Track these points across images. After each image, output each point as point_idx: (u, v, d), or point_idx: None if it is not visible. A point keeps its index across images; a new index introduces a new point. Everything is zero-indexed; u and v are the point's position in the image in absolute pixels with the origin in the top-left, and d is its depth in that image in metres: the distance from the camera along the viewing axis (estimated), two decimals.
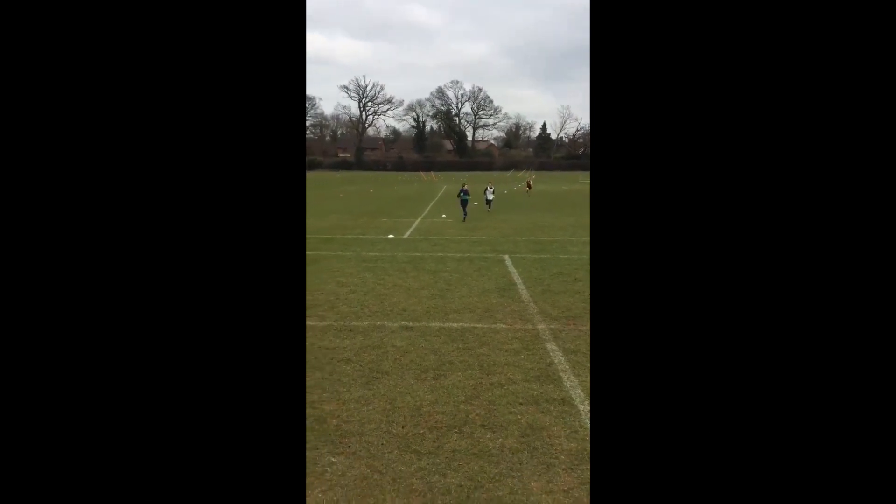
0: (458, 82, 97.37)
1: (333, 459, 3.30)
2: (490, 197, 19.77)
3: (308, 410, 3.93)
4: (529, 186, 28.23)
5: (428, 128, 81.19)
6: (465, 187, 17.56)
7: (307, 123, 76.03)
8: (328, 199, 25.55)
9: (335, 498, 2.92)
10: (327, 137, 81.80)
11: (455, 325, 5.99)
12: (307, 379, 4.50)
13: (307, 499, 2.89)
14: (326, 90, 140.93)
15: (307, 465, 3.22)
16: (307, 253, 10.56)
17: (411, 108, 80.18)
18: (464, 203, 16.83)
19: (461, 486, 3.03)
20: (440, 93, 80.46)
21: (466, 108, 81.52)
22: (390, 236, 13.04)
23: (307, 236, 12.97)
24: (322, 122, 79.91)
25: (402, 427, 3.71)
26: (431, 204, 22.79)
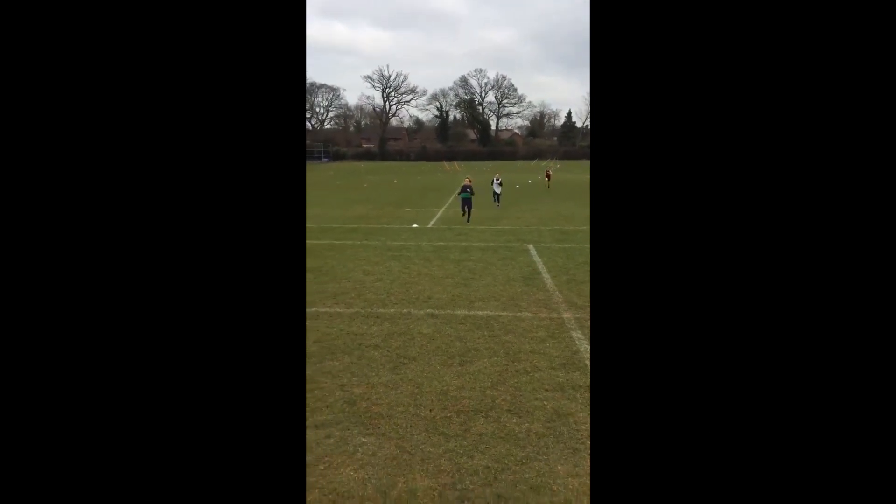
0: (482, 70, 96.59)
1: (364, 440, 3.40)
2: (497, 190, 17.10)
3: (338, 393, 4.06)
4: (549, 177, 26.30)
5: (451, 117, 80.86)
6: (468, 182, 14.18)
7: (331, 114, 76.60)
8: (353, 189, 25.80)
9: (366, 476, 3.02)
10: (351, 128, 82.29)
11: (480, 313, 6.04)
12: (337, 363, 4.63)
13: (339, 476, 3.00)
14: (350, 80, 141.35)
15: (338, 444, 3.34)
16: (334, 242, 10.75)
17: (434, 97, 79.96)
18: (465, 202, 13.72)
19: (488, 467, 3.10)
20: (464, 82, 79.95)
21: (490, 96, 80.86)
22: (414, 226, 13.13)
23: (334, 226, 13.18)
24: (346, 113, 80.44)
25: (430, 410, 3.79)
26: (455, 194, 22.83)
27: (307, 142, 66.93)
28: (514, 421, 3.64)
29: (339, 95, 77.92)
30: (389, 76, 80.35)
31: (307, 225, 13.18)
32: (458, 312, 6.06)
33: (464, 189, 14.03)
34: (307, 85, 67.61)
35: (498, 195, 17.18)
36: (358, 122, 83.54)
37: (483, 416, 3.70)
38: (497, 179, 17.57)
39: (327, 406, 3.86)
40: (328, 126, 77.49)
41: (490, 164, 54.43)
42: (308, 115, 72.17)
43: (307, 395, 4.02)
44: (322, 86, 72.54)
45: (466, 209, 13.78)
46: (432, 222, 13.77)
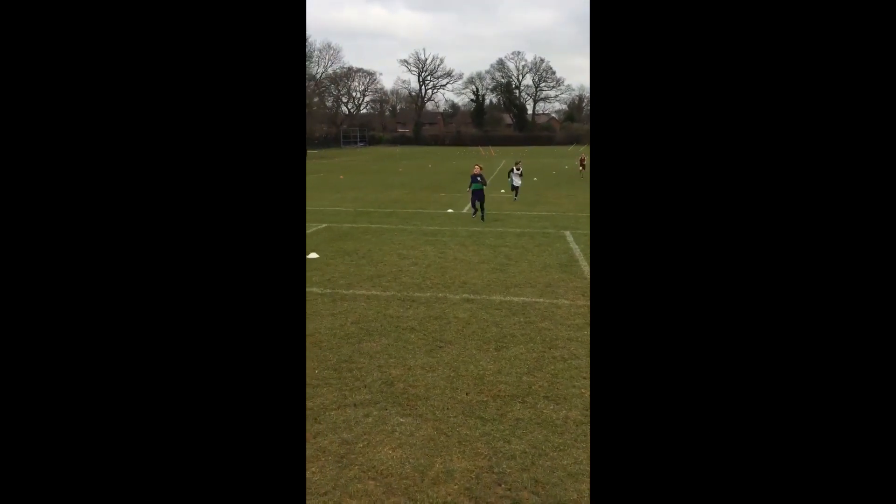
0: (519, 53, 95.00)
1: (402, 420, 3.46)
2: (517, 182, 14.79)
3: (376, 373, 4.13)
4: (583, 165, 24.22)
5: (487, 101, 79.92)
6: (478, 170, 11.75)
7: (367, 99, 76.93)
8: (389, 173, 25.96)
9: (404, 455, 3.07)
10: (387, 112, 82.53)
11: (516, 298, 6.01)
12: (374, 344, 4.70)
13: (378, 454, 3.06)
14: (387, 64, 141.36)
15: (376, 423, 3.40)
16: (371, 225, 10.88)
17: (471, 81, 79.11)
18: (476, 194, 11.54)
19: (525, 452, 3.10)
20: (501, 65, 78.73)
21: (528, 80, 79.38)
22: (449, 211, 13.13)
23: (371, 210, 13.32)
24: (382, 97, 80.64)
25: (466, 394, 3.81)
26: (490, 179, 22.65)
27: (344, 126, 67.61)
28: (552, 408, 3.62)
29: (375, 80, 78.24)
30: (426, 59, 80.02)
31: (344, 208, 13.42)
32: (494, 298, 6.04)
33: (474, 179, 11.63)
34: (344, 69, 68.05)
35: (517, 188, 14.83)
36: (393, 107, 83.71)
37: (520, 402, 3.70)
38: (517, 170, 14.96)
39: (365, 386, 3.93)
40: (364, 111, 77.95)
41: (527, 149, 53.65)
42: (345, 100, 72.73)
43: (346, 375, 4.11)
44: (359, 70, 72.83)
45: (479, 203, 11.50)
46: (467, 207, 13.73)
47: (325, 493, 2.74)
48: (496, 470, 2.94)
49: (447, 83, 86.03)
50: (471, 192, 11.78)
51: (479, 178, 11.65)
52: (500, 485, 2.82)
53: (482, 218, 11.52)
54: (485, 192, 11.74)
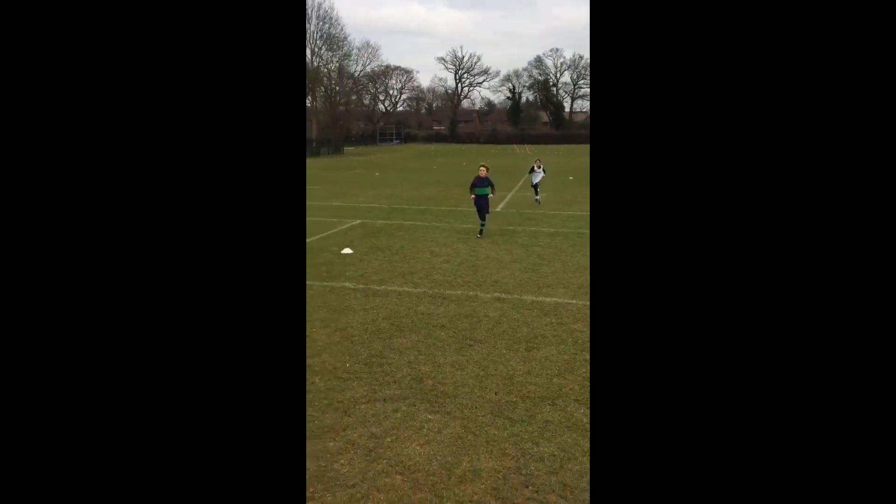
0: (557, 50, 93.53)
1: (430, 416, 3.47)
2: (536, 180, 13.58)
3: (405, 369, 4.16)
4: None
5: (524, 99, 79.13)
6: (484, 173, 9.33)
7: (404, 96, 77.48)
8: (424, 170, 26.08)
9: (432, 452, 3.08)
10: (423, 110, 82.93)
11: (548, 299, 5.93)
12: (404, 340, 4.74)
13: (406, 450, 3.09)
14: (424, 62, 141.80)
15: (405, 419, 3.43)
16: (404, 222, 10.96)
17: (507, 78, 78.43)
18: (480, 202, 9.26)
19: (554, 455, 3.06)
20: (538, 62, 77.68)
21: (566, 77, 78.16)
22: None
23: (405, 207, 13.42)
24: (419, 95, 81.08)
25: (495, 394, 3.79)
26: (524, 178, 22.43)
27: (380, 124, 68.34)
28: (582, 411, 3.56)
29: (412, 77, 78.69)
30: (462, 57, 79.93)
31: (379, 204, 13.56)
32: (526, 298, 5.98)
33: (478, 183, 9.16)
34: (382, 67, 68.68)
35: (536, 185, 13.70)
36: (430, 104, 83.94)
37: (549, 404, 3.65)
38: (538, 168, 13.75)
39: (395, 381, 3.97)
40: (400, 108, 78.54)
41: (563, 147, 52.86)
42: (382, 98, 73.49)
43: (377, 369, 4.15)
44: (396, 68, 73.44)
45: (482, 216, 9.32)
46: (500, 206, 13.64)
47: (353, 486, 2.78)
48: (524, 471, 2.91)
49: (483, 80, 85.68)
50: (474, 198, 9.26)
51: (485, 183, 9.18)
52: (527, 486, 2.79)
53: (480, 232, 9.24)
54: (491, 200, 9.45)
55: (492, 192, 9.50)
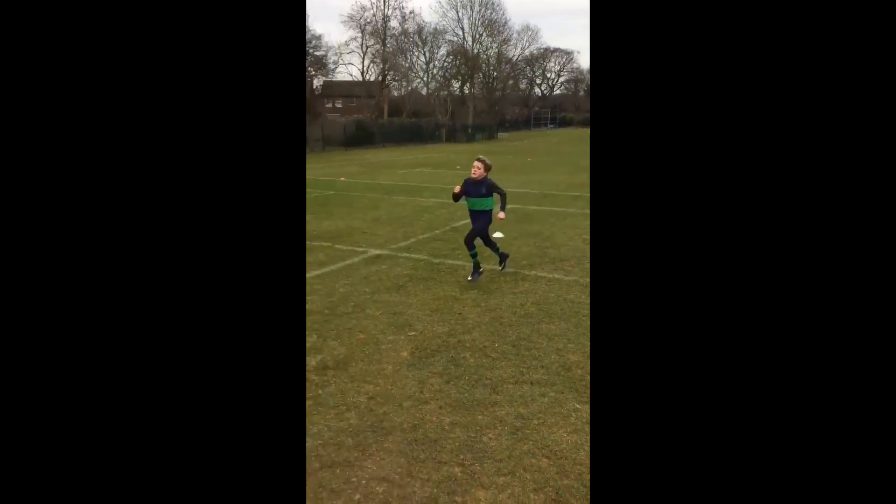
0: None
1: (578, 406, 3.41)
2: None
3: (553, 356, 4.13)
4: None
5: None
6: (479, 171, 5.48)
7: (562, 79, 75.14)
8: (578, 155, 25.19)
9: (580, 441, 3.04)
10: (581, 92, 79.68)
11: None
12: (553, 326, 4.70)
13: (553, 435, 3.09)
14: (585, 41, 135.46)
15: (552, 404, 3.42)
16: (555, 209, 10.75)
17: None
18: (476, 220, 5.60)
19: None
20: None
21: None
22: None
23: (556, 193, 13.15)
24: (577, 77, 77.94)
25: None
26: None
27: (535, 108, 67.44)
28: None
29: (572, 59, 75.86)
30: None
31: (530, 190, 13.47)
32: None
33: (469, 190, 5.54)
34: (541, 50, 67.39)
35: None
36: (589, 87, 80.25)
37: None
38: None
39: (543, 366, 3.97)
40: (557, 91, 76.45)
41: None
42: (538, 81, 72.31)
43: (525, 353, 4.20)
44: (555, 50, 71.43)
45: (480, 241, 5.78)
46: None
47: (501, 461, 2.88)
48: None
49: None
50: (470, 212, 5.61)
51: (480, 189, 5.45)
52: None
53: (472, 275, 5.78)
54: (496, 213, 5.61)
55: (502, 211, 5.47)
